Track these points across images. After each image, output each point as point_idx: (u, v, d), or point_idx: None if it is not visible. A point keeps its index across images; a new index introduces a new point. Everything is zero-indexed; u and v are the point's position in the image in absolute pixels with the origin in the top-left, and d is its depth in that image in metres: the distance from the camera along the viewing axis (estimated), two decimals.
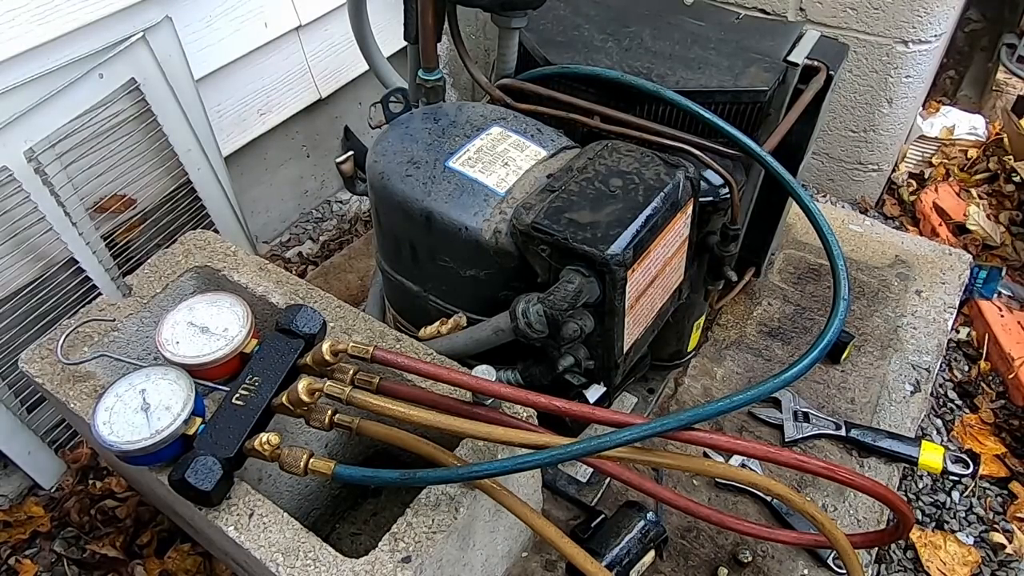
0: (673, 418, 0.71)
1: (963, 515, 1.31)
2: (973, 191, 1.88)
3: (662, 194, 0.87)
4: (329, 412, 0.80)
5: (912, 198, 1.92)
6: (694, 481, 1.15)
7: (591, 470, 1.13)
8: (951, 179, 1.93)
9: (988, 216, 1.82)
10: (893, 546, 1.25)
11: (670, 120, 1.04)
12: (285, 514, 0.79)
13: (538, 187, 0.91)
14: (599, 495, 1.12)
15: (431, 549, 0.77)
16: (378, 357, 0.80)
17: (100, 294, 1.21)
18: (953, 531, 1.27)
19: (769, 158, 0.99)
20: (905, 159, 1.97)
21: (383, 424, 0.81)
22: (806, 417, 1.22)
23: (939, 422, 1.44)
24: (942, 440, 1.42)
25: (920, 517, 1.30)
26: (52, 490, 1.36)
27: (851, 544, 0.77)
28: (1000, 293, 1.62)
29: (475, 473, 0.76)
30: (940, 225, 1.81)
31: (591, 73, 1.04)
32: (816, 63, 1.09)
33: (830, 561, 1.05)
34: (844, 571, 1.03)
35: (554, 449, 0.72)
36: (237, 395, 0.81)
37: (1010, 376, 1.46)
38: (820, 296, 1.45)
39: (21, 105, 1.14)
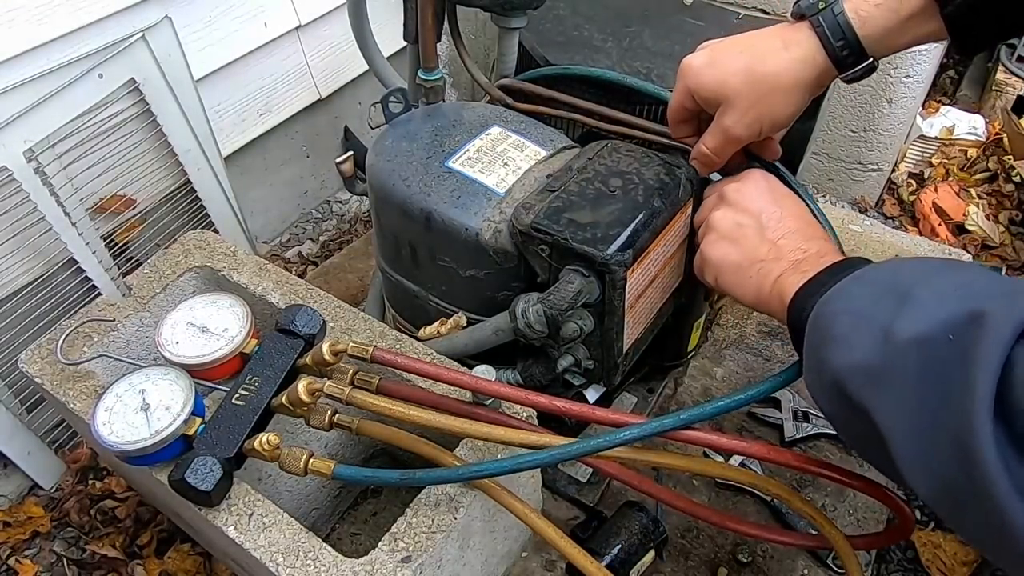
0: (672, 418, 0.71)
1: None
2: (973, 191, 1.88)
3: (662, 194, 0.87)
4: (329, 412, 0.80)
5: (912, 198, 1.92)
6: (694, 481, 1.15)
7: (591, 470, 1.12)
8: (951, 179, 1.93)
9: (987, 216, 1.82)
10: (893, 546, 1.25)
11: None
12: (285, 514, 0.79)
13: (538, 187, 0.91)
14: (599, 495, 1.12)
15: (431, 549, 0.77)
16: (377, 357, 0.80)
17: (100, 294, 1.21)
18: (952, 531, 1.27)
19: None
20: (905, 159, 1.97)
21: (383, 424, 0.82)
22: (806, 417, 1.22)
23: None
24: None
25: (920, 517, 1.30)
26: (52, 490, 1.36)
27: (853, 546, 0.77)
28: None
29: (475, 473, 0.76)
30: (940, 225, 1.81)
31: (591, 73, 1.04)
32: None
33: (829, 561, 1.05)
34: (843, 571, 1.03)
35: (554, 449, 0.72)
36: (237, 395, 0.81)
37: None
38: None
39: (20, 105, 1.14)
